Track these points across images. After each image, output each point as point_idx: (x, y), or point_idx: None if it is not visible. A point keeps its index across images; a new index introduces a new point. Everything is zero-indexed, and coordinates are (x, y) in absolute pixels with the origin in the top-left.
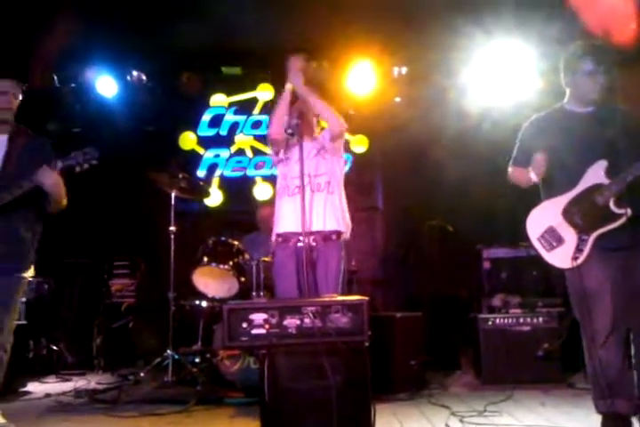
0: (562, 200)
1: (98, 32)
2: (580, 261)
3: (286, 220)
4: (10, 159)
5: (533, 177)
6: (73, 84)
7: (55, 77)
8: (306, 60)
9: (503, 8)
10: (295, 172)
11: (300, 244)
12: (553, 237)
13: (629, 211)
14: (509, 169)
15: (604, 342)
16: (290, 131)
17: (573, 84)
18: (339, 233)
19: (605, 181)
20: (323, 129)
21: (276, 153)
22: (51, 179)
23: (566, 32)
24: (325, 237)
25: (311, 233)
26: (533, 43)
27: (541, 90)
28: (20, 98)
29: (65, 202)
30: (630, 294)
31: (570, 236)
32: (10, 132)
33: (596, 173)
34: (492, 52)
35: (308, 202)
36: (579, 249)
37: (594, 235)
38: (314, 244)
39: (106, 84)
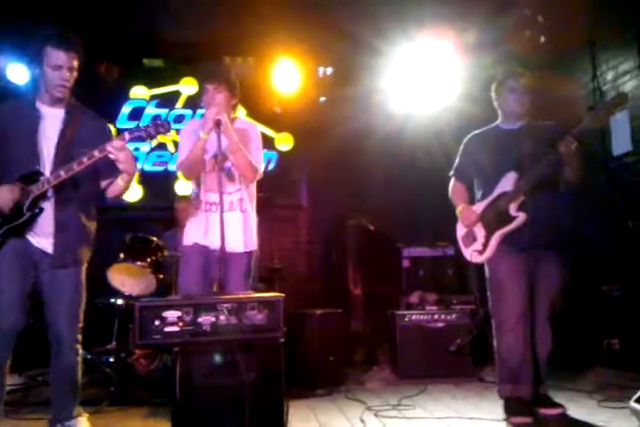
0: (481, 205)
1: (8, 18)
2: (483, 257)
3: (196, 234)
4: (65, 135)
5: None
6: None
7: None
8: (226, 90)
9: (426, 13)
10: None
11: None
12: (471, 236)
13: (522, 215)
14: (452, 181)
15: (511, 328)
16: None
17: (502, 104)
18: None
19: (510, 188)
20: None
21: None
22: (123, 150)
23: (485, 41)
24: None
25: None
26: (455, 49)
27: (461, 96)
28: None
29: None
30: (537, 290)
31: (480, 235)
32: (66, 107)
33: (507, 183)
34: (415, 58)
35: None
36: (484, 246)
37: (496, 234)
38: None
39: (17, 72)
